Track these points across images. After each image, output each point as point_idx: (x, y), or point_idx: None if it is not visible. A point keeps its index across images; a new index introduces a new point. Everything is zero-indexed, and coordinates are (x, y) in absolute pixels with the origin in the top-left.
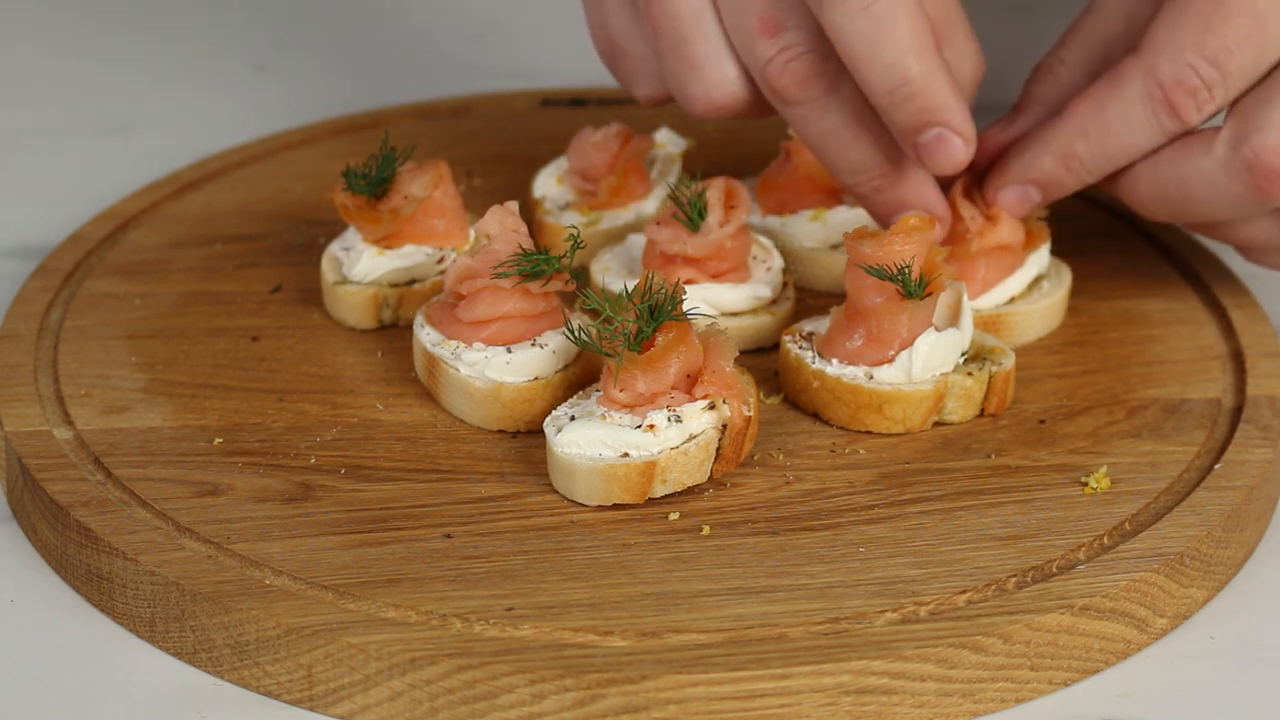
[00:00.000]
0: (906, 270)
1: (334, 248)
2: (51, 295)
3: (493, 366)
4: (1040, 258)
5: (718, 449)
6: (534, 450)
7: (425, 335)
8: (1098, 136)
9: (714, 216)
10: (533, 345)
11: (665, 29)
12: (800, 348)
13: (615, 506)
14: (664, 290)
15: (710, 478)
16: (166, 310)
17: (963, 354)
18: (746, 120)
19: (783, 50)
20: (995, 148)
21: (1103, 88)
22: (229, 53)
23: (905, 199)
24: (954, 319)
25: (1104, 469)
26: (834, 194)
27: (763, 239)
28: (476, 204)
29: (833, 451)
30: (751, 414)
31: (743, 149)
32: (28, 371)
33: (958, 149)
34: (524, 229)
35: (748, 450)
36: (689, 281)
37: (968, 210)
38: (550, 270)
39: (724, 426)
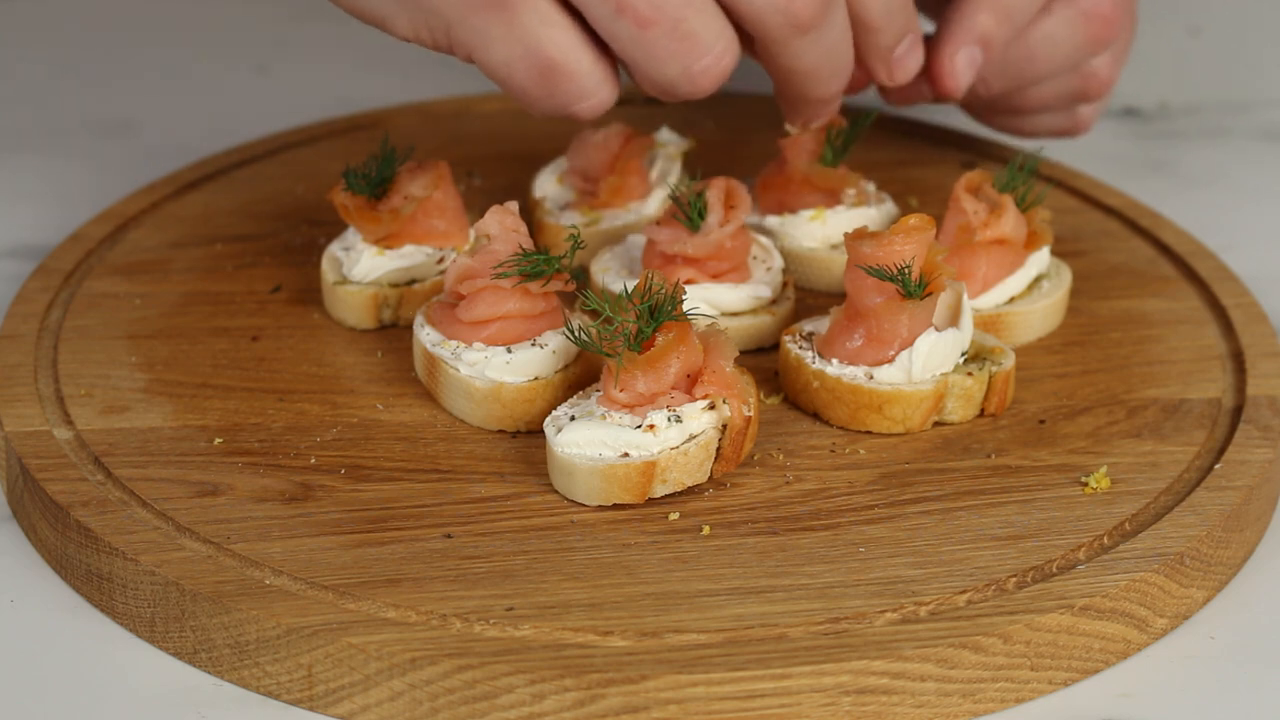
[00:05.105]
0: (906, 270)
1: (334, 248)
2: (51, 295)
3: (493, 366)
4: (1040, 258)
5: (718, 449)
6: (534, 450)
7: (425, 335)
8: None
9: (714, 216)
10: (533, 345)
11: (656, 17)
12: (800, 348)
13: (615, 506)
14: (664, 290)
15: (710, 478)
16: (166, 310)
17: (963, 354)
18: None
19: None
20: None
21: None
22: (229, 53)
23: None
24: (954, 319)
25: (1104, 469)
26: (834, 194)
27: (763, 239)
28: (476, 204)
29: (833, 451)
30: (751, 414)
31: (743, 149)
32: (28, 371)
33: (920, 55)
34: (524, 229)
35: (748, 450)
36: (689, 281)
37: (971, 204)
38: (550, 270)
39: (724, 426)
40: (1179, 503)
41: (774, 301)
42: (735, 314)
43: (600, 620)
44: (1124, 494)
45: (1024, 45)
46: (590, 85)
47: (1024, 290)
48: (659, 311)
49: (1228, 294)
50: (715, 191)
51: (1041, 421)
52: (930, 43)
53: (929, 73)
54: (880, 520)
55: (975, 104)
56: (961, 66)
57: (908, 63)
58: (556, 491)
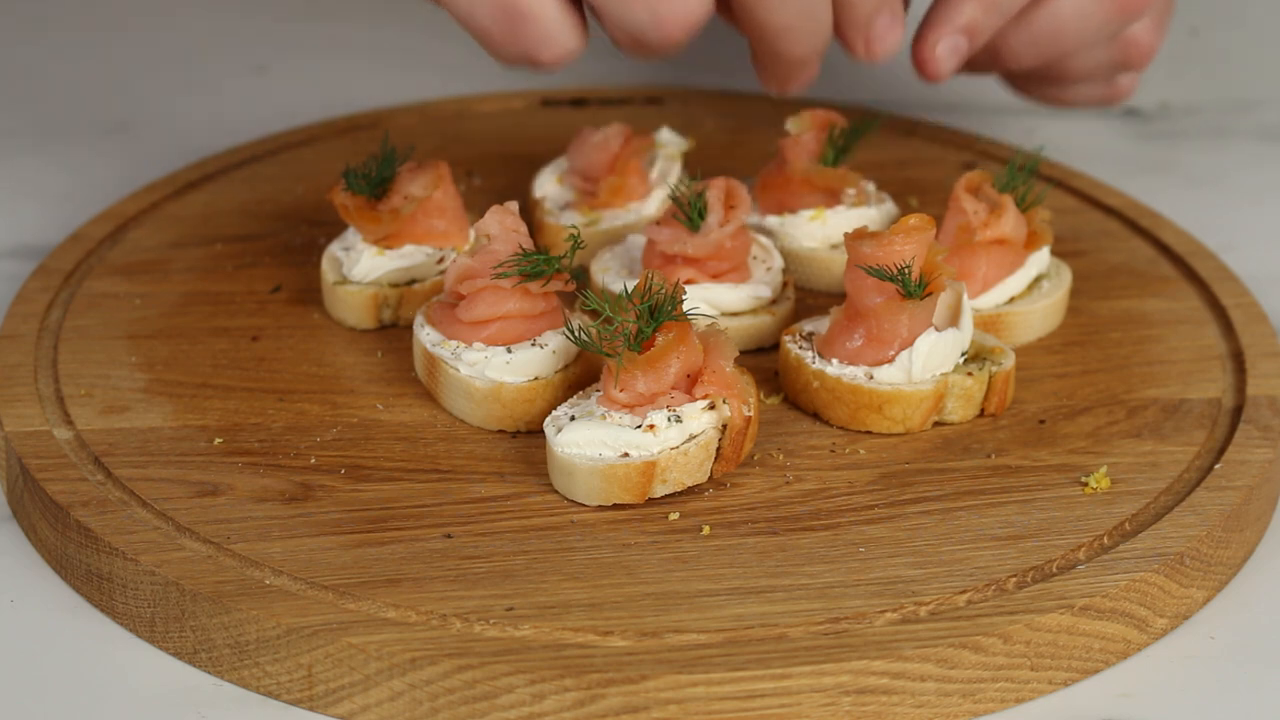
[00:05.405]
0: (906, 270)
1: (334, 248)
2: (51, 295)
3: (493, 366)
4: (1040, 258)
5: (718, 449)
6: (534, 450)
7: (425, 335)
8: None
9: (714, 216)
10: (533, 345)
11: None
12: (800, 348)
13: (615, 506)
14: (664, 290)
15: (710, 478)
16: (166, 310)
17: (963, 354)
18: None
19: None
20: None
21: None
22: (229, 53)
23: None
24: (954, 319)
25: (1104, 469)
26: (834, 194)
27: (763, 239)
28: (476, 204)
29: (833, 451)
30: (751, 414)
31: (743, 149)
32: (28, 371)
33: (899, 35)
34: (524, 229)
35: (748, 450)
36: (689, 281)
37: (971, 204)
38: (550, 270)
39: (724, 426)
40: (1179, 503)
41: (774, 301)
42: (735, 314)
43: (600, 620)
44: (1124, 494)
45: (1053, 18)
46: (554, 31)
47: (1024, 290)
48: (659, 311)
49: (1228, 294)
50: (715, 191)
51: (1041, 421)
52: (918, 27)
53: (913, 56)
54: (880, 520)
55: (1011, 76)
56: (943, 55)
57: (886, 40)
58: (556, 491)
